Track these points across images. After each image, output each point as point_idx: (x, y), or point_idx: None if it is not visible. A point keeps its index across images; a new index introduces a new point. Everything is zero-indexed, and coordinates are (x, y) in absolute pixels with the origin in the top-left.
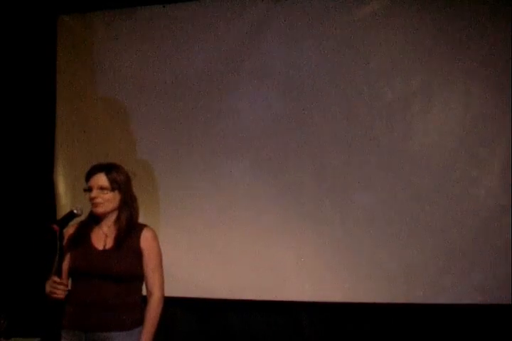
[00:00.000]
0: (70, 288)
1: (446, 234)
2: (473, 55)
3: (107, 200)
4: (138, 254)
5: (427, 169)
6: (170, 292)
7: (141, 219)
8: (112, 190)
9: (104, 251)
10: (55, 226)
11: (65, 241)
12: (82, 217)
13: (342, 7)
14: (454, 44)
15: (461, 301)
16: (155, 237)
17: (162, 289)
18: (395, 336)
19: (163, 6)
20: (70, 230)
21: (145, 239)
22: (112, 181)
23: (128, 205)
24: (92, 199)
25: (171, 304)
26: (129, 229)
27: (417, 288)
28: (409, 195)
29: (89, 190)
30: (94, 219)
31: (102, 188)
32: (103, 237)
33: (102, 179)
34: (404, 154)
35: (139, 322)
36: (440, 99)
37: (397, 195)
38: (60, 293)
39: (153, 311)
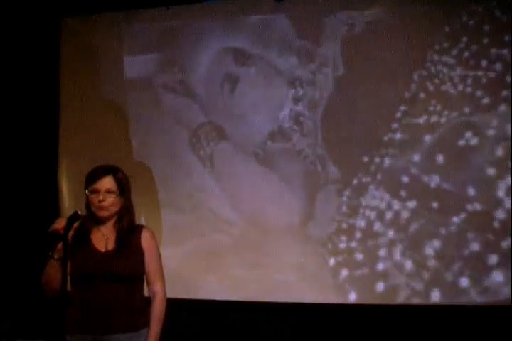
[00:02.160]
0: (72, 291)
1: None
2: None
3: (113, 204)
4: (140, 254)
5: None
6: (173, 294)
7: (140, 221)
8: (120, 193)
9: (107, 252)
10: (60, 228)
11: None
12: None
13: None
14: None
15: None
16: (154, 237)
17: (164, 288)
18: (394, 336)
19: (167, 8)
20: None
21: (145, 239)
22: (119, 184)
23: (129, 208)
24: (98, 202)
25: (175, 306)
26: (130, 230)
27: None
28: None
29: (94, 192)
30: (94, 222)
31: (109, 191)
32: (103, 239)
33: (110, 182)
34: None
35: (147, 323)
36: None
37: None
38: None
39: (159, 310)
